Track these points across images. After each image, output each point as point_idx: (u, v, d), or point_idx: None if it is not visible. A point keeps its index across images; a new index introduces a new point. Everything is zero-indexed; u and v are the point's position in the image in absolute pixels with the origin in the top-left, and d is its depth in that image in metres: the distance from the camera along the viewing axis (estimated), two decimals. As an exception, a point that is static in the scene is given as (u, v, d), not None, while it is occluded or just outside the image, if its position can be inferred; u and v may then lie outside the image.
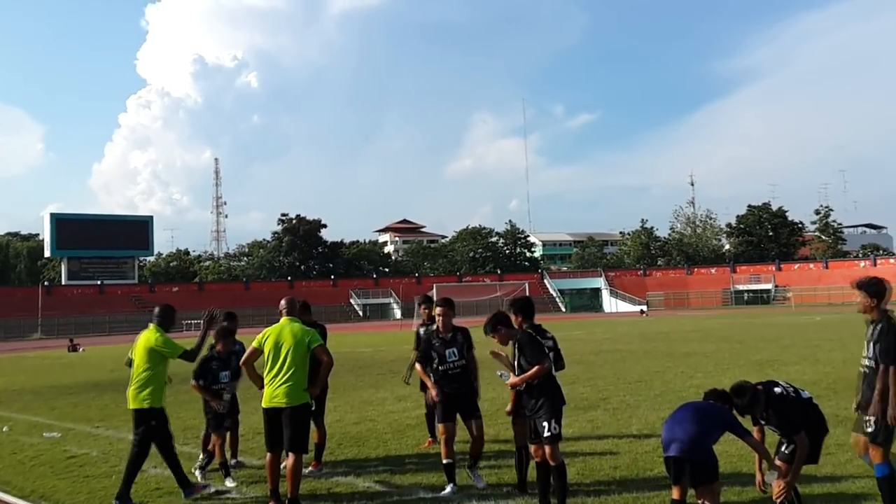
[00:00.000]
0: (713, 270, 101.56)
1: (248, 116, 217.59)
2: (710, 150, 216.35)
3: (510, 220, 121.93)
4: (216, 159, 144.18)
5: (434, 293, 64.78)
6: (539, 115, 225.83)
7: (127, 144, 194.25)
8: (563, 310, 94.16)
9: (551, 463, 6.95)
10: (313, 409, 8.49)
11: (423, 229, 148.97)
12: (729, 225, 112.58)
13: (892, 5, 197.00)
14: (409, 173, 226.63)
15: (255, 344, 7.72)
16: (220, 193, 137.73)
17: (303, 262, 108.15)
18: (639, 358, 22.42)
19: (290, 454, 7.43)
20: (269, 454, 7.67)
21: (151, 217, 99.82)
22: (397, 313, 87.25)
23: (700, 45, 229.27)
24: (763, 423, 6.55)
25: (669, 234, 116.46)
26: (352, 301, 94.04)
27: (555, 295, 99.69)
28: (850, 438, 7.03)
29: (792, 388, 6.55)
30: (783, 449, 6.48)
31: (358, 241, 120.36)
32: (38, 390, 20.16)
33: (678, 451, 5.85)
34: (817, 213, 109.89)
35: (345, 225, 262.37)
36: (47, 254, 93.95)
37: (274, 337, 7.66)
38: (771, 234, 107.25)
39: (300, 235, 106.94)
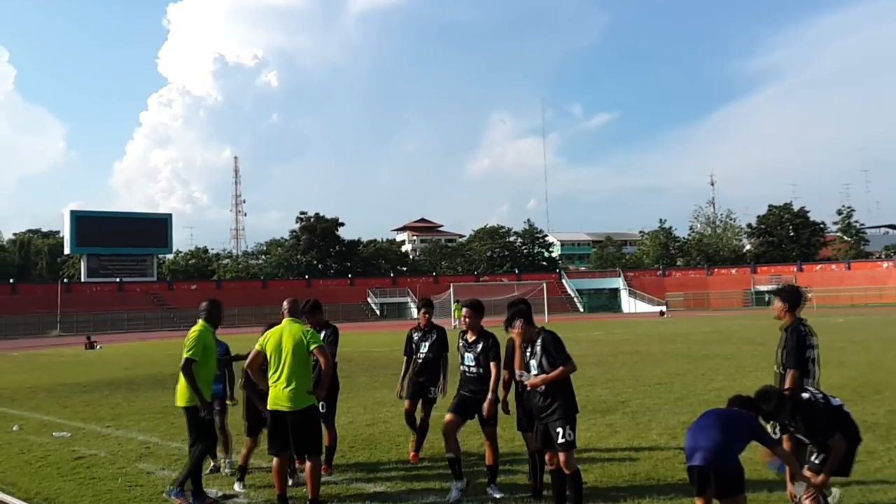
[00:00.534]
0: (733, 271, 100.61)
1: (268, 115, 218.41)
2: (731, 151, 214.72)
3: (528, 220, 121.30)
4: (236, 158, 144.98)
5: (451, 293, 64.50)
6: (557, 115, 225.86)
7: (148, 143, 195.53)
8: (582, 310, 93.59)
9: (566, 471, 6.65)
10: (323, 410, 8.31)
11: (440, 228, 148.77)
12: (749, 225, 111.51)
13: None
14: (426, 173, 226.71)
15: (257, 346, 7.57)
16: (239, 192, 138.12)
17: (320, 261, 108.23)
18: (658, 360, 22.06)
19: (308, 459, 7.29)
20: (275, 459, 7.47)
21: (170, 215, 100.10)
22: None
23: (720, 45, 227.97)
24: (792, 430, 6.25)
25: (689, 234, 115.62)
26: (369, 300, 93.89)
27: (573, 295, 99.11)
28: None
29: (821, 394, 6.25)
30: (813, 459, 6.18)
31: (375, 240, 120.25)
32: (52, 388, 20.06)
33: (702, 460, 5.55)
34: (839, 213, 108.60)
35: (363, 224, 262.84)
36: (67, 251, 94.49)
37: (275, 339, 7.49)
38: (792, 234, 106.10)
39: (318, 234, 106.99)
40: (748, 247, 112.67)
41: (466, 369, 8.03)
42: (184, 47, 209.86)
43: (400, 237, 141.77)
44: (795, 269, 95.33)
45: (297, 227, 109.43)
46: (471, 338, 8.05)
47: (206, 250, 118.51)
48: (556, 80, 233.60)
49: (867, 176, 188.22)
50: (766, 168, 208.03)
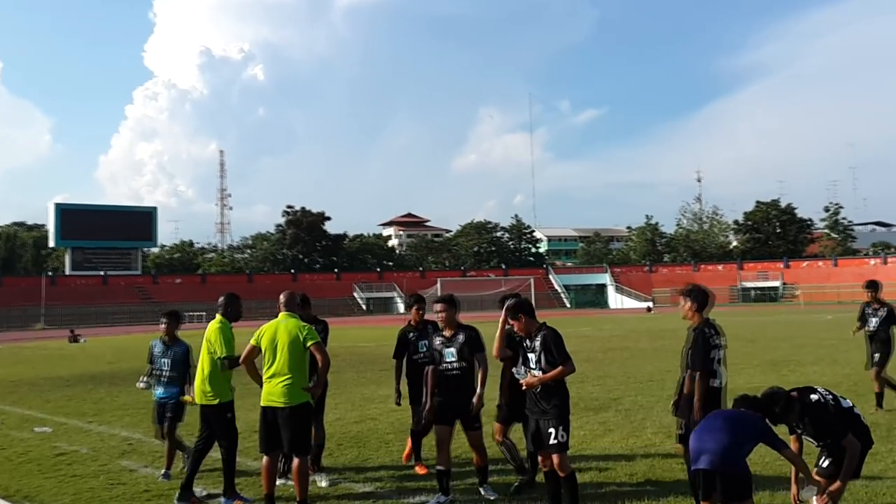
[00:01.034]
0: (720, 267, 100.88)
1: (254, 109, 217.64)
2: (718, 147, 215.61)
3: (515, 215, 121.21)
4: (221, 151, 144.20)
5: (438, 287, 64.36)
6: (545, 111, 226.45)
7: (133, 136, 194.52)
8: (568, 305, 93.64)
9: (560, 473, 6.43)
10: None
11: (427, 223, 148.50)
12: (736, 221, 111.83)
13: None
14: (414, 167, 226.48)
15: (252, 341, 7.30)
16: (225, 186, 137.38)
17: (306, 255, 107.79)
18: (648, 356, 21.92)
19: (295, 457, 7.04)
20: (265, 457, 7.24)
21: (155, 208, 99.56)
22: (401, 307, 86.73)
23: (708, 41, 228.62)
24: (800, 432, 6.07)
25: (676, 231, 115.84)
26: (355, 294, 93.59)
27: (560, 290, 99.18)
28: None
29: (831, 396, 6.05)
30: (821, 463, 5.99)
31: (362, 235, 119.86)
32: (35, 382, 19.74)
33: (709, 463, 5.34)
34: (827, 210, 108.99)
35: (349, 219, 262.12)
36: (52, 244, 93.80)
37: (270, 334, 7.24)
38: (779, 231, 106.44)
39: (304, 228, 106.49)
40: (735, 243, 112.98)
41: (448, 366, 7.50)
42: (170, 40, 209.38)
43: (387, 232, 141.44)
44: (782, 266, 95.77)
45: (283, 221, 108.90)
46: (448, 333, 7.62)
47: (191, 244, 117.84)
48: (544, 75, 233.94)
49: (855, 173, 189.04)
50: (753, 164, 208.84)
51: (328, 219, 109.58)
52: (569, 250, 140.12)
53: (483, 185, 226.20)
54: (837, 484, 5.82)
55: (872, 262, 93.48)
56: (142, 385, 9.13)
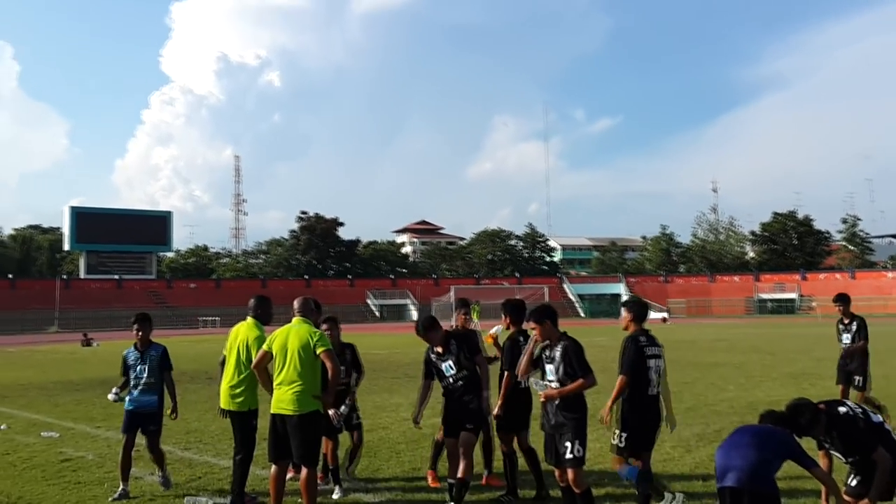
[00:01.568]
0: (736, 278, 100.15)
1: (270, 115, 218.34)
2: (734, 158, 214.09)
3: (530, 224, 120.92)
4: (237, 157, 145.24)
5: (452, 295, 64.08)
6: (560, 119, 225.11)
7: (149, 141, 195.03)
8: (582, 315, 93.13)
9: (575, 490, 6.19)
10: (346, 410, 7.94)
11: (441, 231, 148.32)
12: (753, 232, 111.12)
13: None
14: (428, 175, 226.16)
15: (264, 347, 7.09)
16: (240, 191, 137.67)
17: (320, 261, 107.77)
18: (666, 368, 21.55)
19: (303, 467, 6.82)
20: (273, 466, 7.02)
21: (170, 212, 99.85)
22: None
23: (724, 52, 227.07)
24: (828, 446, 5.80)
25: (692, 241, 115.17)
26: (368, 301, 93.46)
27: (574, 300, 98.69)
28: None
29: (860, 410, 5.79)
30: (850, 481, 5.72)
31: (375, 242, 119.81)
32: (45, 386, 19.64)
33: (736, 481, 5.08)
34: (844, 221, 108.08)
35: (364, 225, 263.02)
36: (66, 247, 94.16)
37: (281, 339, 7.03)
38: (796, 242, 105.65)
39: (317, 234, 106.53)
40: (751, 254, 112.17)
41: (450, 380, 7.25)
42: (187, 46, 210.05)
43: (400, 239, 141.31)
44: (799, 278, 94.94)
45: (297, 226, 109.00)
46: (440, 350, 7.34)
47: (205, 249, 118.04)
48: (559, 84, 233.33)
49: (872, 185, 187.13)
50: (769, 176, 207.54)
51: (341, 225, 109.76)
52: (583, 259, 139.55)
53: (497, 193, 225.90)
54: (866, 503, 5.56)
55: (890, 274, 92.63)
56: (112, 397, 8.60)
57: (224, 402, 7.59)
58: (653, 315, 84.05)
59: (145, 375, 8.29)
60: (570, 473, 6.18)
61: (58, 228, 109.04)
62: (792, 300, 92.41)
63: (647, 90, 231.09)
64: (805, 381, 17.09)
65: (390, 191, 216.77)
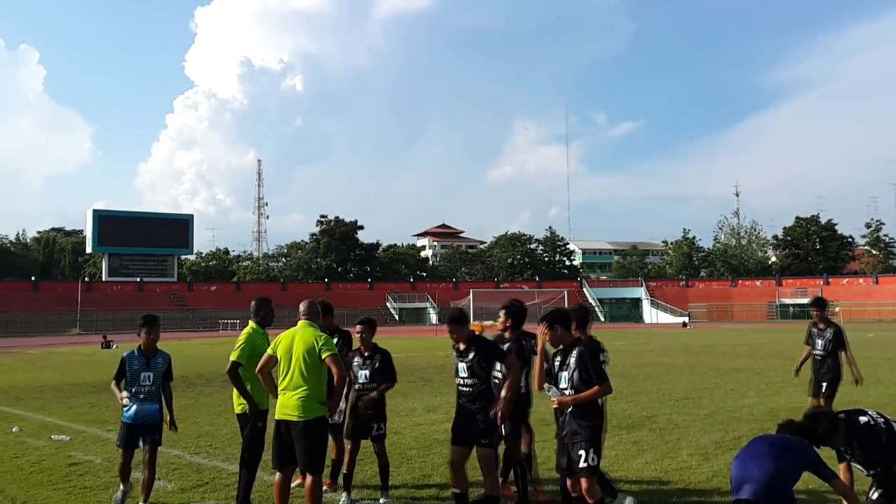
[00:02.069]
0: (758, 283, 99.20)
1: (292, 119, 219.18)
2: (756, 162, 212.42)
3: (550, 227, 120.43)
4: (259, 161, 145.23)
5: (471, 299, 63.79)
6: (581, 123, 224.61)
7: (173, 145, 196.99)
8: (602, 319, 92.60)
9: (588, 500, 5.96)
10: (340, 419, 7.73)
11: (461, 234, 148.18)
12: (775, 237, 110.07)
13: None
14: (449, 179, 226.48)
15: (269, 350, 6.93)
16: (262, 195, 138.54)
17: (340, 265, 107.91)
18: (684, 372, 21.28)
19: (308, 475, 6.64)
20: (278, 474, 6.86)
21: (192, 216, 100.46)
22: (433, 318, 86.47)
23: (747, 55, 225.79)
24: (848, 458, 5.56)
25: (713, 245, 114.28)
26: (388, 304, 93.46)
27: (594, 304, 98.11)
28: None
29: (883, 419, 5.54)
30: (871, 495, 5.47)
31: (395, 245, 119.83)
32: (60, 388, 19.64)
33: (752, 493, 4.85)
34: (868, 226, 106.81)
35: (384, 229, 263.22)
36: (89, 250, 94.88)
37: (286, 343, 6.85)
38: (819, 247, 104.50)
39: (337, 237, 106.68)
40: (773, 259, 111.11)
41: (461, 382, 6.95)
42: (210, 50, 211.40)
43: (420, 242, 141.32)
44: (822, 283, 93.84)
45: (317, 230, 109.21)
46: (462, 347, 6.98)
47: (226, 252, 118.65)
48: (580, 87, 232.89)
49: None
50: (792, 180, 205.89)
51: (361, 228, 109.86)
52: (603, 263, 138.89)
53: (518, 197, 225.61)
54: None
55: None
56: (127, 401, 7.68)
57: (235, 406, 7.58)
58: (673, 319, 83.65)
59: (149, 383, 7.70)
60: (583, 483, 5.96)
61: (80, 231, 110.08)
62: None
63: (668, 94, 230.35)
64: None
65: (411, 194, 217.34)
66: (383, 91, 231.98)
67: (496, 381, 6.79)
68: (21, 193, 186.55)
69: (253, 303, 7.82)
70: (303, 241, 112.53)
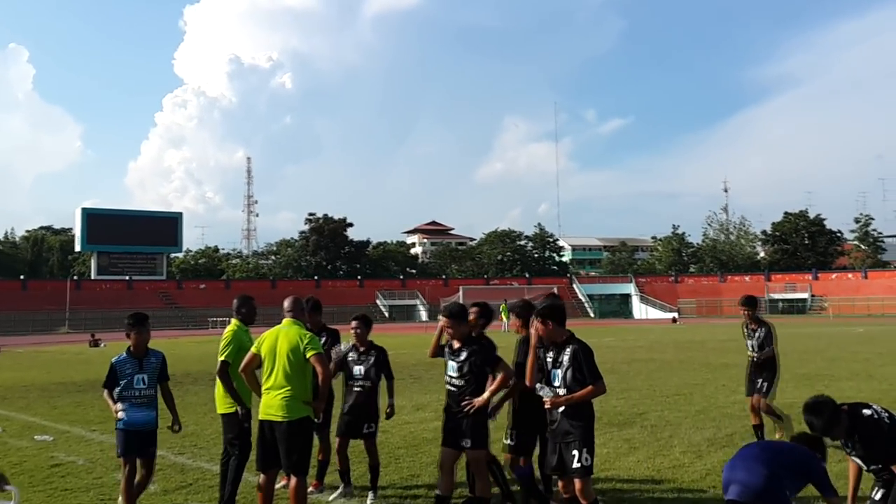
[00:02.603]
0: (747, 278, 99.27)
1: (282, 117, 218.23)
2: (745, 158, 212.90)
3: (539, 224, 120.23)
4: (248, 159, 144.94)
5: (461, 296, 63.63)
6: (571, 120, 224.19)
7: (162, 143, 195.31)
8: (592, 315, 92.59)
9: (582, 501, 5.82)
10: (319, 421, 7.55)
11: (451, 231, 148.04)
12: (764, 232, 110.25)
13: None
14: (439, 176, 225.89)
15: (253, 349, 6.78)
16: (251, 192, 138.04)
17: (330, 262, 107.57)
18: (675, 368, 21.21)
19: (292, 476, 6.47)
20: (262, 475, 6.71)
21: (181, 213, 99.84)
22: (423, 315, 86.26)
23: (735, 52, 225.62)
24: (849, 450, 5.42)
25: (702, 241, 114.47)
26: (378, 302, 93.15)
27: (583, 300, 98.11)
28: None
29: (887, 414, 5.39)
30: (874, 495, 5.34)
31: (385, 242, 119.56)
32: (46, 387, 19.41)
33: (736, 494, 4.74)
34: (857, 221, 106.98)
35: (374, 226, 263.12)
36: (78, 248, 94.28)
37: (270, 341, 6.70)
38: (808, 242, 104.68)
39: (326, 234, 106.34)
40: (762, 254, 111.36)
41: (449, 382, 6.77)
42: (199, 48, 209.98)
43: (410, 239, 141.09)
44: (811, 278, 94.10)
45: (306, 228, 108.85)
46: (456, 345, 6.81)
47: (216, 249, 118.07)
48: (569, 84, 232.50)
49: (884, 184, 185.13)
50: (781, 175, 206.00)
51: (350, 225, 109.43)
52: (593, 259, 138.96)
53: (508, 194, 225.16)
54: None
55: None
56: (122, 414, 7.00)
57: (218, 406, 7.45)
58: (662, 315, 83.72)
59: (144, 387, 7.04)
60: (577, 483, 5.81)
61: (69, 230, 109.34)
62: (803, 300, 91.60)
63: (657, 90, 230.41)
64: (819, 383, 16.69)
65: (401, 192, 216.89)
66: (373, 88, 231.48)
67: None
68: (11, 192, 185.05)
69: (235, 300, 7.69)
70: (292, 238, 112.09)
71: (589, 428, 5.89)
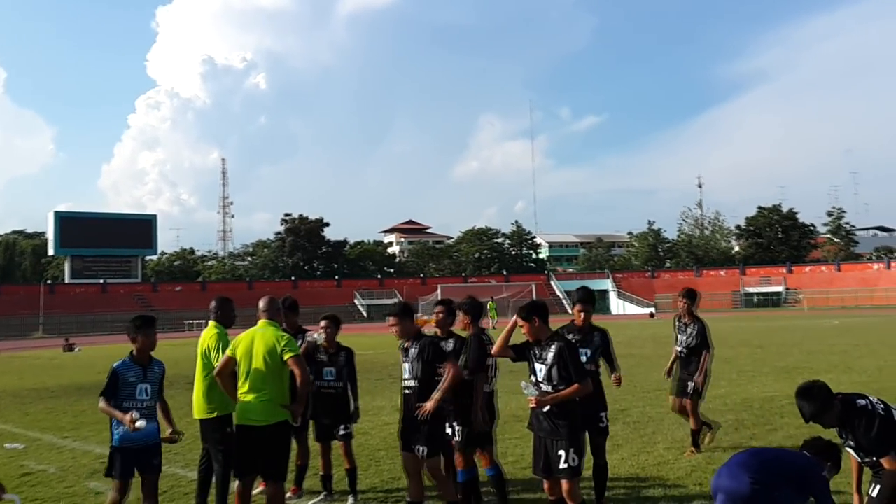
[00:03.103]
0: (722, 272, 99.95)
1: (256, 117, 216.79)
2: (718, 153, 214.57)
3: (516, 222, 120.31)
4: (223, 160, 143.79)
5: (439, 294, 63.42)
6: (546, 118, 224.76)
7: (136, 145, 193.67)
8: (570, 311, 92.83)
9: (569, 503, 5.70)
10: (296, 424, 7.37)
11: (428, 230, 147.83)
12: (738, 227, 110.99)
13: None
14: (415, 175, 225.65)
15: (228, 352, 6.59)
16: (226, 194, 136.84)
17: (307, 263, 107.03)
18: (654, 363, 21.12)
19: (270, 482, 6.28)
20: (237, 482, 6.52)
21: (155, 216, 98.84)
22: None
23: (707, 48, 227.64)
24: (844, 441, 5.30)
25: (678, 236, 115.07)
26: (356, 301, 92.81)
27: (561, 296, 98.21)
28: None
29: (882, 405, 5.26)
30: (871, 492, 5.22)
31: (362, 242, 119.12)
32: (18, 393, 19.04)
33: (721, 502, 4.60)
34: (829, 214, 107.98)
35: (351, 226, 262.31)
36: (51, 252, 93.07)
37: (245, 344, 6.51)
38: (781, 236, 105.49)
39: (302, 235, 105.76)
40: (737, 248, 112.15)
41: (403, 384, 6.58)
42: (172, 50, 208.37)
43: (387, 239, 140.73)
44: (785, 271, 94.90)
45: (282, 228, 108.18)
46: (406, 344, 6.68)
47: (191, 251, 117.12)
48: (544, 82, 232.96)
49: (856, 178, 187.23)
50: (754, 170, 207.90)
51: (326, 225, 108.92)
52: (570, 256, 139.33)
53: (484, 192, 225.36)
54: None
55: (875, 266, 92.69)
56: (142, 423, 6.10)
57: (196, 411, 7.23)
58: (640, 310, 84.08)
59: (147, 397, 6.38)
60: (564, 485, 5.68)
61: (42, 233, 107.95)
62: (778, 293, 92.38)
63: (631, 87, 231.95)
64: (798, 376, 16.66)
65: (377, 191, 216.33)
66: (348, 88, 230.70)
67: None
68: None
69: (213, 302, 7.48)
70: (268, 239, 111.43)
71: (575, 427, 5.77)
